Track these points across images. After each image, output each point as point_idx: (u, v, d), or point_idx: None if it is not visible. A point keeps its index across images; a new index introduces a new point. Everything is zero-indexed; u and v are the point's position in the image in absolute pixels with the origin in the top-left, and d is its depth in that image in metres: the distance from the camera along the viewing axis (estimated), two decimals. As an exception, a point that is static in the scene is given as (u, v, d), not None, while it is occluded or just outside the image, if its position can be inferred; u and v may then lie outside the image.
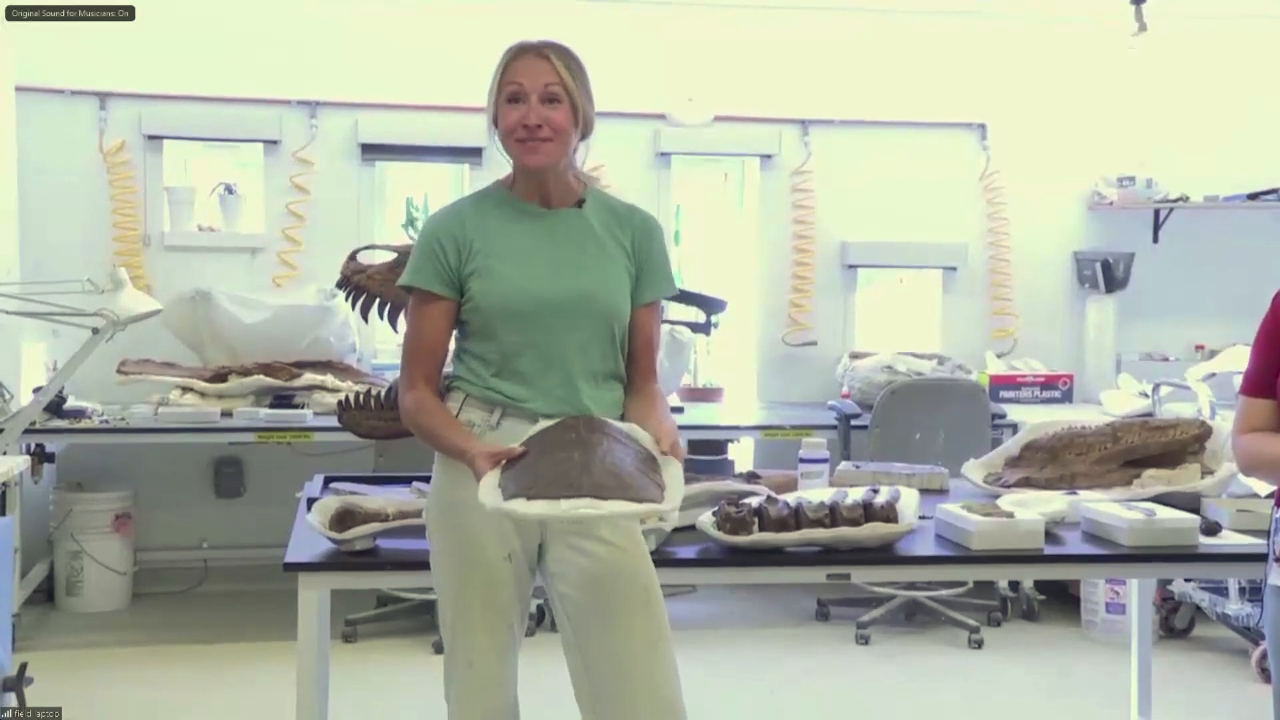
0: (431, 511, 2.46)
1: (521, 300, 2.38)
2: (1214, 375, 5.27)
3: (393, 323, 3.16)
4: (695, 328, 5.15)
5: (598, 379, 2.42)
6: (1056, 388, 5.89)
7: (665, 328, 5.02)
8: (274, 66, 5.64)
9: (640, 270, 2.47)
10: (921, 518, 2.97)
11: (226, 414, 5.04)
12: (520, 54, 2.39)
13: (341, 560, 2.72)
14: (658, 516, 2.36)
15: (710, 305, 5.04)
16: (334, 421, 3.33)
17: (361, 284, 3.13)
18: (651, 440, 2.29)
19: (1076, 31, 6.02)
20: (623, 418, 2.43)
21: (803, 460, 3.22)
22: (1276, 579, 2.38)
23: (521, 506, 2.11)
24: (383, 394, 3.17)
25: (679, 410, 5.41)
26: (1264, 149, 6.13)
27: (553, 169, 2.42)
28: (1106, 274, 6.01)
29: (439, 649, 4.59)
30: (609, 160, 5.44)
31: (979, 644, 4.90)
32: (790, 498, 2.92)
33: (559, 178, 2.45)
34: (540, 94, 2.35)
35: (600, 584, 2.38)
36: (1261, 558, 2.56)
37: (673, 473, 2.22)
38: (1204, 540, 2.93)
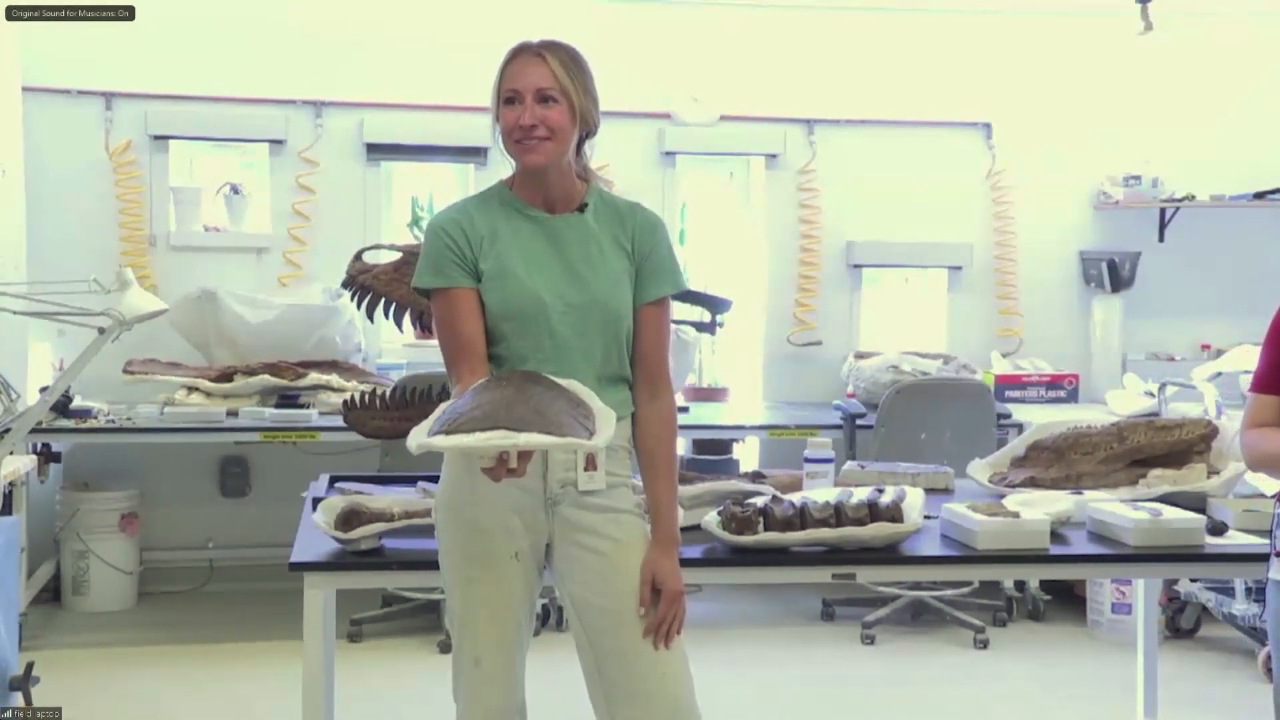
0: (440, 509, 2.46)
1: (532, 306, 2.38)
2: (1220, 375, 5.26)
3: (398, 322, 3.16)
4: (700, 327, 5.13)
5: (603, 381, 2.41)
6: (1062, 387, 5.89)
7: (671, 327, 5.01)
8: (279, 66, 5.65)
9: (641, 268, 2.46)
10: (927, 517, 2.98)
11: (232, 413, 5.05)
12: (516, 55, 2.39)
13: (347, 560, 2.73)
14: (579, 451, 2.32)
15: (715, 305, 5.02)
16: (339, 421, 3.33)
17: (367, 284, 3.14)
18: (591, 394, 2.27)
19: (1082, 30, 6.01)
20: (633, 423, 2.45)
21: (808, 460, 3.22)
22: (1277, 573, 2.41)
23: (440, 440, 2.09)
24: (388, 394, 3.17)
25: (684, 410, 5.41)
26: (1270, 147, 6.11)
27: (554, 169, 2.41)
28: (1112, 273, 6.00)
29: (444, 648, 4.62)
30: (614, 160, 5.45)
31: (984, 644, 4.90)
32: (795, 497, 2.92)
33: (561, 180, 2.44)
34: (535, 94, 2.35)
35: (610, 582, 2.38)
36: (1266, 558, 2.56)
37: (605, 421, 2.20)
38: (1210, 540, 2.93)
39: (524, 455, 2.13)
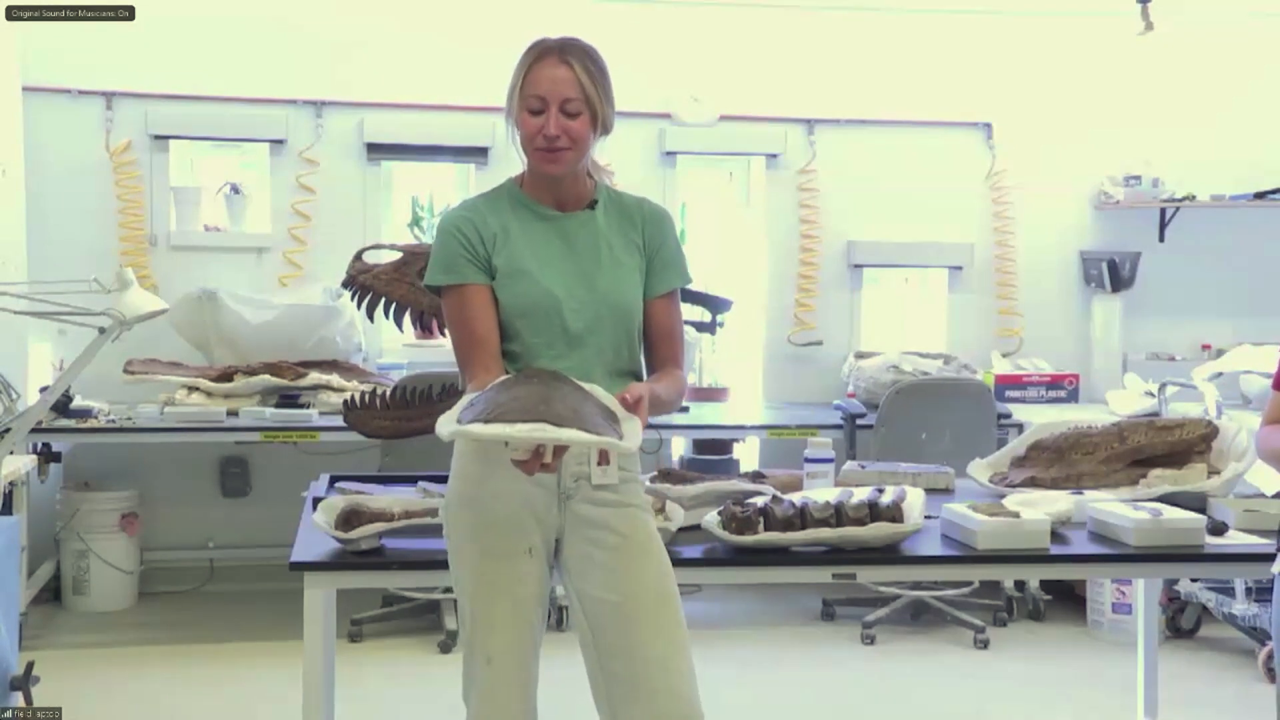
0: (451, 505, 2.44)
1: (546, 302, 2.39)
2: (1220, 375, 5.26)
3: (398, 322, 3.16)
4: (701, 327, 5.13)
5: (613, 376, 2.42)
6: (1062, 387, 5.89)
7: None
8: (280, 66, 5.65)
9: (652, 262, 2.49)
10: (927, 517, 2.97)
11: (232, 413, 5.05)
12: (542, 58, 2.38)
13: (347, 560, 2.73)
14: (618, 453, 2.28)
15: (716, 305, 5.03)
16: (339, 421, 3.33)
17: (367, 283, 3.14)
18: (614, 400, 2.26)
19: (1082, 30, 6.02)
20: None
21: (808, 460, 3.22)
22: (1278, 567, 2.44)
23: (478, 429, 2.08)
24: (388, 393, 3.17)
25: (684, 410, 5.41)
26: (1270, 147, 6.12)
27: (569, 172, 2.43)
28: (1112, 273, 6.00)
29: (445, 648, 4.63)
30: (614, 159, 5.42)
31: (984, 644, 4.90)
32: (796, 497, 2.92)
33: (574, 180, 2.46)
34: (560, 104, 2.35)
35: (616, 580, 2.38)
36: (1267, 558, 2.57)
37: (631, 426, 2.20)
38: (1210, 540, 2.93)
39: (558, 451, 2.13)
